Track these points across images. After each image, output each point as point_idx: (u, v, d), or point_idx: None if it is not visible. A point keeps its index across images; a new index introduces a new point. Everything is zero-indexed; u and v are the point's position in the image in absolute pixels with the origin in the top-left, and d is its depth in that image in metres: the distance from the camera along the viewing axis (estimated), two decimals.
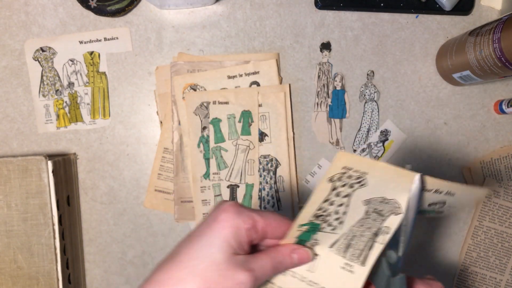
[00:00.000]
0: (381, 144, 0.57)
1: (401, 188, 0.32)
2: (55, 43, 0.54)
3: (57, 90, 0.55)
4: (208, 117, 0.55)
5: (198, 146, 0.55)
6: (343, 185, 0.32)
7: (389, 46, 0.56)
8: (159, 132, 0.55)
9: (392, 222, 0.32)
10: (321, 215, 0.33)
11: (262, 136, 0.55)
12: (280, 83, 0.55)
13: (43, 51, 0.54)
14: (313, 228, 0.33)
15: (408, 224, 0.32)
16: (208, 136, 0.55)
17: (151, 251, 0.56)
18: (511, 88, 0.58)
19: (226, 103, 0.54)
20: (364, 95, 0.56)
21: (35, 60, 0.55)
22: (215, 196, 0.55)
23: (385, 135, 0.56)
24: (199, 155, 0.55)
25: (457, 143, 0.58)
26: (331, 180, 0.32)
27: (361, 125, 0.56)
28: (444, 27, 0.57)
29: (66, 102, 0.55)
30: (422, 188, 0.33)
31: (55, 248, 0.49)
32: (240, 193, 0.55)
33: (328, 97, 0.56)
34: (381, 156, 0.56)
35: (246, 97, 0.54)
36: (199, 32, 0.55)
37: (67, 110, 0.55)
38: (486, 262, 0.57)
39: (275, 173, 0.55)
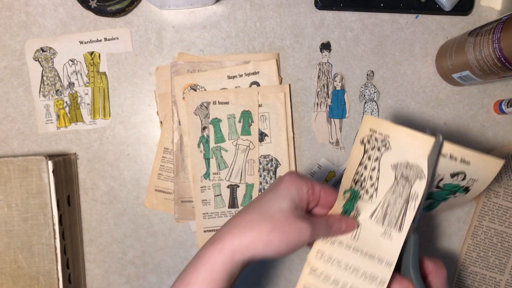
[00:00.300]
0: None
1: (421, 152, 0.35)
2: (56, 43, 0.55)
3: (58, 90, 0.55)
4: (208, 117, 0.55)
5: (198, 146, 0.55)
6: (372, 148, 0.37)
7: (389, 46, 0.57)
8: (159, 132, 0.56)
9: (419, 187, 0.36)
10: (358, 180, 0.38)
11: (262, 136, 0.55)
12: (280, 83, 0.56)
13: (43, 51, 0.55)
14: (354, 195, 0.38)
15: (424, 189, 0.36)
16: (208, 136, 0.55)
17: (151, 251, 0.56)
18: (510, 88, 0.58)
19: (226, 103, 0.55)
20: (364, 95, 0.56)
21: (36, 60, 0.55)
22: (215, 196, 0.55)
23: None
24: (199, 155, 0.55)
25: (456, 143, 0.57)
26: (362, 142, 0.37)
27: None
28: (443, 27, 0.57)
29: (66, 102, 0.55)
30: (439, 152, 0.36)
31: (56, 248, 0.49)
32: (240, 193, 0.55)
33: (328, 97, 0.56)
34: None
35: (246, 97, 0.54)
36: (199, 33, 0.55)
37: (67, 110, 0.55)
38: (486, 262, 0.57)
39: (275, 173, 0.55)
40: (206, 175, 0.55)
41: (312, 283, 0.38)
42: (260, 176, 0.55)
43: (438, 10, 0.56)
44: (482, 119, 0.58)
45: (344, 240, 0.38)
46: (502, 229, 0.57)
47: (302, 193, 0.37)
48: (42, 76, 0.55)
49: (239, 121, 0.55)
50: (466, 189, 0.39)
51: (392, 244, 0.37)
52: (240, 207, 0.55)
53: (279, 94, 0.55)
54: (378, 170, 0.37)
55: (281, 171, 0.55)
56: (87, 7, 0.53)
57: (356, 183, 0.38)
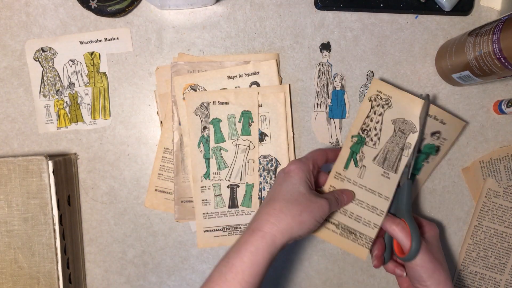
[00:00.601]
0: None
1: (415, 112, 0.49)
2: (56, 44, 0.55)
3: (58, 90, 0.55)
4: (208, 117, 0.55)
5: (198, 146, 0.55)
6: (378, 105, 0.48)
7: (388, 46, 0.57)
8: (159, 132, 0.56)
9: (412, 139, 0.49)
10: (365, 129, 0.48)
11: (262, 136, 0.55)
12: (280, 83, 0.56)
13: (43, 51, 0.55)
14: (361, 140, 0.48)
15: (416, 141, 0.49)
16: (208, 136, 0.55)
17: (152, 251, 0.56)
18: (510, 88, 0.58)
19: (226, 103, 0.55)
20: (364, 95, 0.56)
21: (36, 61, 0.55)
22: (215, 196, 0.55)
23: None
24: (199, 155, 0.55)
25: (456, 143, 0.58)
26: (369, 99, 0.49)
27: None
28: (443, 28, 0.57)
29: (66, 102, 0.55)
30: (427, 113, 0.50)
31: (56, 248, 0.49)
32: (240, 193, 0.55)
33: (328, 97, 0.56)
34: None
35: (246, 97, 0.55)
36: (199, 33, 0.55)
37: (67, 110, 0.55)
38: (486, 261, 0.57)
39: (275, 173, 0.55)
40: (206, 175, 0.55)
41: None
42: (260, 176, 0.55)
43: (437, 10, 0.56)
44: (482, 119, 0.58)
45: (352, 178, 0.48)
46: (502, 229, 0.57)
47: (310, 175, 0.45)
48: (43, 76, 0.55)
49: (239, 121, 0.55)
50: (437, 149, 0.54)
51: (389, 182, 0.48)
52: (240, 207, 0.55)
53: (279, 94, 0.55)
54: (381, 123, 0.49)
55: None
56: (87, 7, 0.53)
57: (363, 131, 0.48)
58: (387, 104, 0.49)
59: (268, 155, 0.55)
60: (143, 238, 0.56)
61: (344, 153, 0.49)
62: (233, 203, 0.55)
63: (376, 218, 0.48)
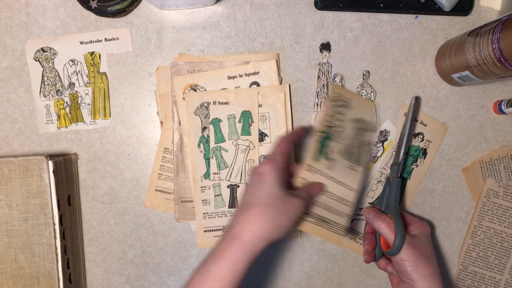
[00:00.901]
0: (380, 144, 0.57)
1: (370, 113, 0.55)
2: (56, 44, 0.55)
3: (58, 90, 0.55)
4: (208, 117, 0.55)
5: (199, 146, 0.55)
6: (339, 106, 0.52)
7: (388, 46, 0.57)
8: (159, 132, 0.56)
9: (370, 137, 0.55)
10: (330, 126, 0.51)
11: (262, 136, 0.55)
12: (280, 83, 0.56)
13: (44, 51, 0.55)
14: (327, 135, 0.50)
15: (404, 139, 0.53)
16: (208, 136, 0.55)
17: (152, 251, 0.56)
18: (510, 88, 0.58)
19: (226, 103, 0.55)
20: (361, 96, 0.57)
21: (36, 61, 0.55)
22: (215, 196, 0.55)
23: (384, 135, 0.57)
24: (199, 155, 0.55)
25: (456, 143, 0.58)
26: (332, 100, 0.52)
27: None
28: (443, 28, 0.57)
29: (66, 102, 0.55)
30: (414, 113, 0.55)
31: (56, 248, 0.49)
32: (240, 193, 0.55)
33: (328, 97, 0.56)
34: (380, 156, 0.57)
35: (246, 98, 0.55)
36: (199, 33, 0.55)
37: (67, 110, 0.55)
38: (486, 261, 0.57)
39: None
40: (206, 175, 0.55)
41: None
42: None
43: (437, 11, 0.56)
44: (482, 119, 0.58)
45: (323, 170, 0.50)
46: (502, 229, 0.57)
47: (283, 173, 0.45)
48: (43, 76, 0.55)
49: (239, 121, 0.55)
50: (425, 152, 0.57)
51: (356, 175, 0.51)
52: None
53: (279, 94, 0.55)
54: (344, 121, 0.52)
55: None
56: (88, 7, 0.53)
57: (328, 127, 0.51)
58: (348, 105, 0.53)
59: (268, 155, 0.55)
60: (143, 238, 0.56)
61: (314, 146, 0.50)
62: (233, 203, 0.55)
63: (347, 209, 0.51)
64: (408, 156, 0.57)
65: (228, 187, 0.55)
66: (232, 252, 0.40)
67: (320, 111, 0.56)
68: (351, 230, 0.57)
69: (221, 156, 0.55)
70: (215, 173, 0.55)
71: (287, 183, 0.47)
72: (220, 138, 0.55)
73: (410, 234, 0.49)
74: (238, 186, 0.55)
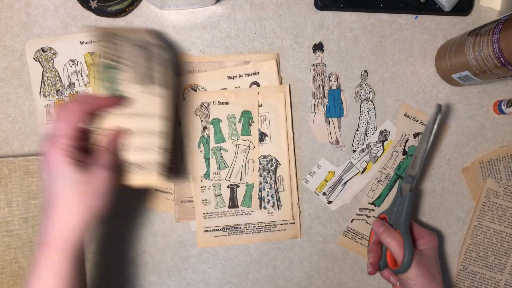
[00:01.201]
0: (380, 144, 0.57)
1: (146, 34, 0.47)
2: (56, 44, 0.55)
3: (58, 90, 0.55)
4: (209, 117, 0.55)
5: (199, 146, 0.55)
6: (108, 41, 0.44)
7: (388, 46, 0.57)
8: None
9: (160, 53, 0.47)
10: (109, 61, 0.44)
11: (262, 136, 0.55)
12: (280, 83, 0.56)
13: (44, 51, 0.55)
14: (108, 66, 0.44)
15: (423, 151, 0.48)
16: (208, 136, 0.55)
17: (151, 251, 0.56)
18: (510, 88, 0.58)
19: (226, 103, 0.55)
20: (360, 95, 0.57)
21: (36, 61, 0.55)
22: (215, 196, 0.55)
23: (384, 135, 0.57)
24: (199, 155, 0.55)
25: (456, 143, 0.58)
26: (99, 43, 0.44)
27: (358, 125, 0.57)
28: (443, 28, 0.57)
29: (67, 102, 0.55)
30: (434, 123, 0.48)
31: None
32: (240, 193, 0.55)
33: (325, 97, 0.56)
34: (380, 156, 0.57)
35: (246, 98, 0.55)
36: (200, 33, 0.55)
37: None
38: (485, 261, 0.57)
39: (275, 173, 0.55)
40: (207, 175, 0.55)
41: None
42: (260, 176, 0.55)
43: (437, 11, 0.56)
44: (482, 119, 0.58)
45: (121, 112, 0.44)
46: (502, 229, 0.57)
47: (73, 152, 0.38)
48: (43, 76, 0.55)
49: (239, 121, 0.55)
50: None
51: (154, 98, 0.45)
52: (241, 207, 0.55)
53: (279, 94, 0.55)
54: (122, 50, 0.45)
55: (281, 171, 0.55)
56: (88, 7, 0.53)
57: (108, 63, 0.44)
58: (117, 35, 0.46)
59: (268, 155, 0.55)
60: (143, 238, 0.56)
61: (101, 89, 0.44)
62: (233, 203, 0.55)
63: (156, 141, 0.44)
64: (408, 156, 0.57)
65: (228, 187, 0.55)
66: (49, 259, 0.37)
67: (316, 111, 0.56)
68: (351, 230, 0.57)
69: (221, 156, 0.55)
70: (215, 173, 0.55)
71: (85, 148, 0.41)
72: (220, 138, 0.55)
73: (418, 249, 0.48)
74: (238, 186, 0.55)
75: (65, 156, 0.37)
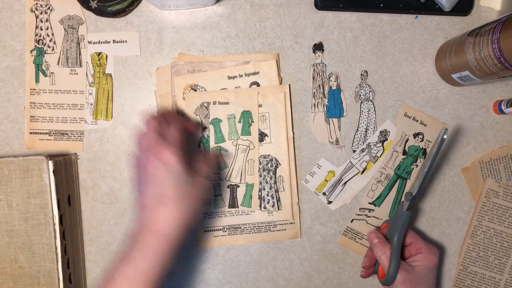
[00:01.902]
0: (380, 144, 0.57)
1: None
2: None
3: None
4: (209, 117, 0.55)
5: (199, 146, 0.55)
6: (41, 13, 0.50)
7: (388, 46, 0.57)
8: None
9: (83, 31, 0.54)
10: (39, 40, 0.50)
11: (262, 136, 0.55)
12: (280, 83, 0.56)
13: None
14: (40, 51, 0.50)
15: (425, 170, 0.48)
16: (208, 136, 0.55)
17: None
18: (510, 88, 0.58)
19: (226, 103, 0.55)
20: (359, 95, 0.57)
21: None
22: (215, 196, 0.55)
23: (384, 135, 0.57)
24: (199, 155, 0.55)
25: (456, 143, 0.58)
26: (31, 10, 0.51)
27: (358, 125, 0.57)
28: (443, 28, 0.57)
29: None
30: (440, 145, 0.47)
31: (56, 248, 0.49)
32: (240, 193, 0.55)
33: (325, 97, 0.56)
34: (380, 156, 0.57)
35: (246, 98, 0.55)
36: (200, 33, 0.55)
37: None
38: (485, 261, 0.57)
39: (275, 173, 0.55)
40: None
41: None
42: (260, 176, 0.55)
43: (437, 11, 0.56)
44: (482, 119, 0.58)
45: (46, 88, 0.50)
46: (502, 229, 0.57)
47: (181, 161, 0.42)
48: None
49: (239, 121, 0.55)
50: (424, 152, 0.56)
51: (79, 77, 0.52)
52: (240, 207, 0.55)
53: (279, 94, 0.55)
54: (51, 27, 0.51)
55: (281, 171, 0.55)
56: (88, 7, 0.53)
57: (38, 42, 0.50)
58: (48, 8, 0.52)
59: (268, 155, 0.55)
60: None
61: (30, 70, 0.50)
62: (233, 203, 0.55)
63: (80, 113, 0.53)
64: (408, 156, 0.57)
65: (228, 187, 0.55)
66: (155, 246, 0.41)
67: (316, 111, 0.56)
68: (351, 230, 0.57)
69: (221, 156, 0.55)
70: (215, 173, 0.55)
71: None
72: (220, 138, 0.55)
73: (410, 265, 0.49)
74: (238, 186, 0.55)
75: (182, 159, 0.41)
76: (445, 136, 0.47)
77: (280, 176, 0.55)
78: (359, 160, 0.57)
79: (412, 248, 0.50)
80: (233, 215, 0.55)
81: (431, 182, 0.58)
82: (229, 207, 0.55)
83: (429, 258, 0.49)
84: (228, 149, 0.55)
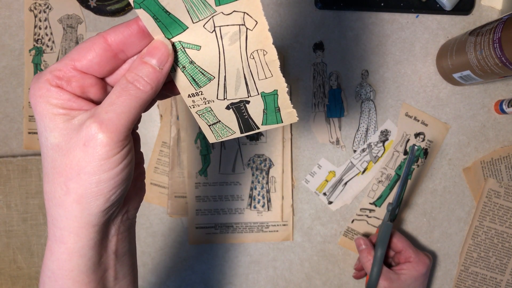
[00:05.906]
0: (381, 144, 0.56)
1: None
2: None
3: None
4: None
5: (195, 142, 0.54)
6: (39, 12, 0.48)
7: (389, 46, 0.56)
8: (158, 126, 0.55)
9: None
10: (38, 39, 0.48)
11: (257, 135, 0.55)
12: None
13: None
14: (38, 50, 0.47)
15: (398, 192, 0.49)
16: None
17: (151, 251, 0.56)
18: (511, 88, 0.58)
19: None
20: (360, 95, 0.56)
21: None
22: (209, 125, 0.30)
23: (385, 135, 0.56)
24: (195, 151, 0.54)
25: (457, 143, 0.57)
26: (30, 10, 0.49)
27: (359, 124, 0.56)
28: (444, 27, 0.57)
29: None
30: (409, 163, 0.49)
31: None
32: (255, 109, 0.29)
33: (325, 97, 0.56)
34: (381, 156, 0.56)
35: None
36: None
37: None
38: (487, 262, 0.57)
39: (268, 173, 0.55)
40: (202, 172, 0.54)
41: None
42: (253, 175, 0.55)
43: (438, 10, 0.55)
44: (483, 119, 0.57)
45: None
46: (503, 229, 0.57)
47: (54, 104, 0.24)
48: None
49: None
50: (426, 152, 0.56)
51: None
52: (262, 127, 0.31)
53: None
54: (50, 26, 0.49)
55: (273, 172, 0.55)
56: (87, 6, 0.53)
57: (37, 42, 0.49)
58: (47, 7, 0.50)
59: (262, 154, 0.55)
60: (142, 238, 0.56)
61: (29, 70, 0.47)
62: (247, 125, 0.30)
63: None
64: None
65: (228, 107, 0.29)
66: (65, 244, 0.24)
67: (317, 111, 0.56)
68: (352, 231, 0.57)
69: (192, 62, 0.26)
70: (193, 94, 0.27)
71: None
72: (166, 19, 0.24)
73: (396, 273, 0.50)
74: (248, 102, 0.28)
75: (46, 102, 0.24)
76: (416, 152, 0.48)
77: (272, 177, 0.55)
78: (359, 160, 0.56)
79: (401, 256, 0.51)
80: (226, 214, 0.55)
81: (432, 182, 0.57)
82: (242, 132, 0.31)
83: (416, 268, 0.50)
84: (201, 44, 0.25)
